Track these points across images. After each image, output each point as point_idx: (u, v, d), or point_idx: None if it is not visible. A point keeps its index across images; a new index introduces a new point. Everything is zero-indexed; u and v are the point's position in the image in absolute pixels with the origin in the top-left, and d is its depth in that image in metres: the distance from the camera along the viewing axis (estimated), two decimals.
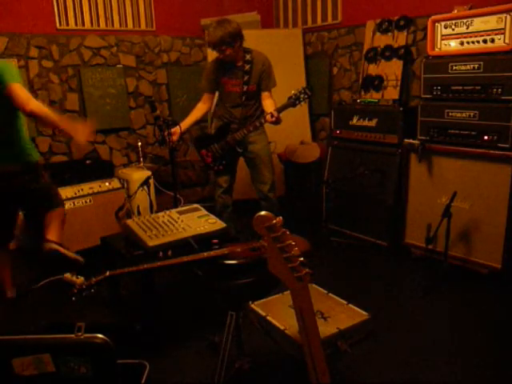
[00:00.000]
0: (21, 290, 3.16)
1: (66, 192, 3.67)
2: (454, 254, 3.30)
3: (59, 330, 1.44)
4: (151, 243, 2.42)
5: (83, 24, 4.41)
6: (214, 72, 3.48)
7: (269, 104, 3.42)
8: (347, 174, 3.91)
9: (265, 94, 3.47)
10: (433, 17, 3.34)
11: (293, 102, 3.23)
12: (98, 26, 4.50)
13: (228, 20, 3.22)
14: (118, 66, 4.66)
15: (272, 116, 3.21)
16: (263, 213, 1.29)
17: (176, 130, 3.38)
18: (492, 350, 2.46)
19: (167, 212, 2.75)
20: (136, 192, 3.70)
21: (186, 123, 3.57)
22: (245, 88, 3.40)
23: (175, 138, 3.37)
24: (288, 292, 1.32)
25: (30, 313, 2.94)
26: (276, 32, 5.12)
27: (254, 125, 3.37)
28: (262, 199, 3.61)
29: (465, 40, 3.19)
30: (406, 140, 3.55)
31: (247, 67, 3.35)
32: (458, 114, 3.24)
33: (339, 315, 2.13)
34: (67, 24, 4.32)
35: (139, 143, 4.61)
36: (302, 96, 3.21)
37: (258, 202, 3.65)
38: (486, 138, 3.10)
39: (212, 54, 4.66)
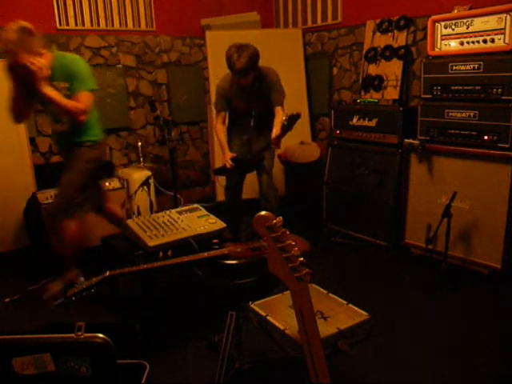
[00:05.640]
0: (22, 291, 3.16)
1: None
2: (454, 254, 3.30)
3: (59, 330, 1.44)
4: (151, 243, 2.42)
5: (83, 24, 4.41)
6: (228, 94, 3.47)
7: (276, 122, 3.38)
8: (347, 174, 3.91)
9: (276, 109, 3.45)
10: (433, 17, 3.34)
11: (286, 129, 3.16)
12: (98, 25, 4.50)
13: (246, 44, 3.21)
14: (118, 66, 4.66)
15: (275, 144, 3.28)
16: (263, 213, 1.29)
17: (228, 158, 3.47)
18: (492, 350, 2.46)
19: (167, 212, 2.75)
20: (136, 192, 3.71)
21: (226, 147, 3.57)
22: (255, 107, 3.43)
23: (230, 164, 3.46)
24: (288, 292, 1.32)
25: (30, 313, 2.94)
26: (276, 32, 5.12)
27: (263, 148, 3.42)
28: (260, 196, 3.65)
29: (465, 40, 3.19)
30: (406, 140, 3.55)
31: (257, 85, 3.35)
32: (458, 114, 3.24)
33: (339, 315, 2.13)
34: (67, 24, 4.32)
35: (139, 143, 4.61)
36: (288, 124, 3.12)
37: (259, 201, 3.68)
38: (486, 137, 3.10)
39: (212, 54, 4.68)
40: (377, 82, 4.26)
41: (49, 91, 2.70)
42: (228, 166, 3.46)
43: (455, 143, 3.28)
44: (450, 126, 3.29)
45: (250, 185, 3.77)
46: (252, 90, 3.38)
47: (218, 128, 3.58)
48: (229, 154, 3.49)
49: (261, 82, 3.37)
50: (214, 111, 3.63)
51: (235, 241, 2.59)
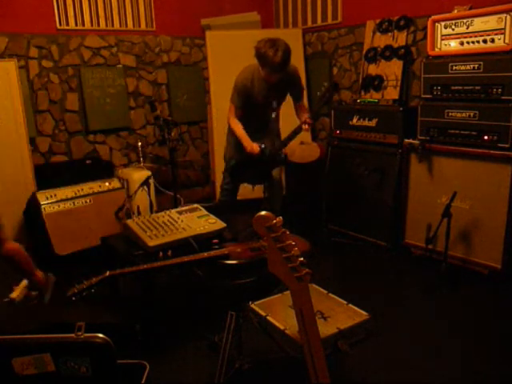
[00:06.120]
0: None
1: (66, 192, 3.68)
2: (454, 254, 3.30)
3: (59, 330, 1.44)
4: (151, 243, 2.42)
5: (83, 24, 4.41)
6: (249, 90, 3.36)
7: (302, 114, 3.36)
8: (347, 174, 3.91)
9: (299, 104, 3.45)
10: (433, 17, 3.34)
11: (326, 99, 3.17)
12: (98, 25, 4.50)
13: (277, 38, 3.13)
14: (118, 66, 4.66)
15: (305, 123, 3.17)
16: (263, 213, 1.29)
17: (255, 147, 3.34)
18: (492, 350, 2.46)
19: (167, 212, 2.75)
20: (136, 192, 3.70)
21: (247, 137, 3.42)
22: (274, 104, 3.37)
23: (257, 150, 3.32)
24: (288, 292, 1.32)
25: (30, 313, 2.94)
26: (276, 32, 5.10)
27: (289, 138, 3.32)
28: (267, 196, 3.63)
29: (465, 40, 3.19)
30: (406, 140, 3.55)
31: (285, 80, 3.28)
32: (458, 114, 3.24)
33: (339, 315, 2.13)
34: (67, 24, 4.32)
35: (139, 143, 4.61)
36: (331, 91, 3.19)
37: (258, 201, 3.66)
38: (486, 138, 3.10)
39: (212, 54, 4.68)
40: (377, 82, 4.26)
41: None
42: (256, 150, 3.29)
43: (455, 143, 3.28)
44: (450, 126, 3.29)
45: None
46: (279, 87, 3.30)
47: (234, 122, 3.44)
48: (254, 143, 3.34)
49: (287, 78, 3.30)
50: (230, 106, 3.49)
51: (235, 241, 2.59)
